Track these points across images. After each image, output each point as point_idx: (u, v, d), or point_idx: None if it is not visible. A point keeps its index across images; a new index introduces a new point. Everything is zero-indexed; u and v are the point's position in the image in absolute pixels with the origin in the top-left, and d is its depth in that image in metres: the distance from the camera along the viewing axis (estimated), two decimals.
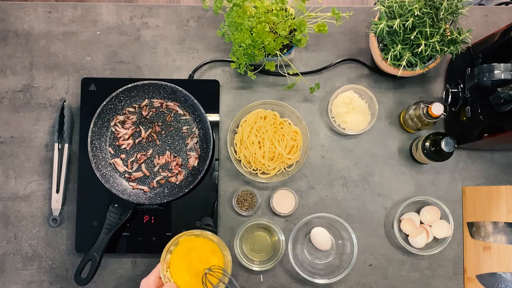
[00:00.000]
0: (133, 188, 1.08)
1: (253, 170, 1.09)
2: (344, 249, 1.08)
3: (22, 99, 1.13)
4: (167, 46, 1.15)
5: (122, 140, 1.09)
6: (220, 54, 1.15)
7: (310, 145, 1.12)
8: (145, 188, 1.09)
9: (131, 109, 1.10)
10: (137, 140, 1.10)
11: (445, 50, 0.96)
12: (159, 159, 1.09)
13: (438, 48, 0.95)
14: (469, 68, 0.98)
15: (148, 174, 1.09)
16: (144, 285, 0.90)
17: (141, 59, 1.14)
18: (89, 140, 1.04)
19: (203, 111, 1.05)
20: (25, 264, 1.09)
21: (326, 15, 1.02)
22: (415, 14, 0.92)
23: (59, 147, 1.10)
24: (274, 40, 0.99)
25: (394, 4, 0.94)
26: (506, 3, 1.34)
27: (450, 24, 1.01)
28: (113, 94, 1.05)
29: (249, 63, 1.03)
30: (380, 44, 1.04)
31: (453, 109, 1.06)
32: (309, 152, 1.12)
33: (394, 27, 0.94)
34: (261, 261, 1.09)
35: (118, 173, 1.09)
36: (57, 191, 1.09)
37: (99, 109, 1.04)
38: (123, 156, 1.09)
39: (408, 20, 0.93)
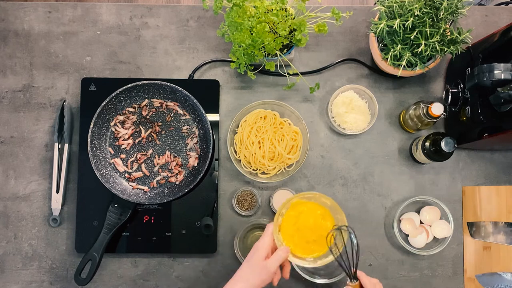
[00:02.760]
0: (133, 188, 1.08)
1: (253, 170, 1.09)
2: None
3: (22, 99, 1.13)
4: (167, 46, 1.15)
5: (122, 140, 1.09)
6: (220, 54, 1.15)
7: (310, 145, 1.12)
8: (145, 188, 1.09)
9: (131, 109, 1.10)
10: (137, 140, 1.10)
11: (445, 50, 0.96)
12: (159, 159, 1.09)
13: (438, 48, 0.95)
14: (469, 68, 0.98)
15: (148, 174, 1.09)
16: (259, 247, 0.87)
17: (141, 59, 1.14)
18: (89, 140, 1.04)
19: (203, 111, 1.05)
20: (25, 264, 1.09)
21: (326, 15, 1.02)
22: (415, 14, 0.92)
23: (59, 147, 1.10)
24: (274, 40, 0.99)
25: (394, 4, 0.94)
26: (506, 3, 1.34)
27: (450, 24, 1.01)
28: (113, 94, 1.05)
29: (249, 63, 1.03)
30: (380, 44, 1.04)
31: (453, 109, 1.06)
32: (309, 152, 1.12)
33: (394, 27, 0.94)
34: None
35: (118, 173, 1.09)
36: (57, 191, 1.09)
37: (99, 109, 1.04)
38: (123, 156, 1.09)
39: (408, 20, 0.93)
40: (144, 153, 1.09)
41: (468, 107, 1.00)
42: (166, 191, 1.08)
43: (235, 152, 1.10)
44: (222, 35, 1.02)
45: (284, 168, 1.10)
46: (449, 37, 0.97)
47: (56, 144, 1.10)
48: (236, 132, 1.10)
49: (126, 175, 1.09)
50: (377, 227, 1.12)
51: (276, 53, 1.02)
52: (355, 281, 0.89)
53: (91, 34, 1.15)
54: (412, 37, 0.94)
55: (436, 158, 1.04)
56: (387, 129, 1.14)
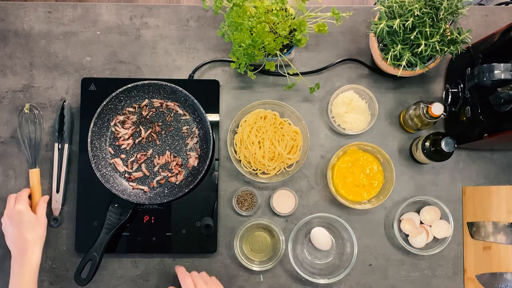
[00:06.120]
0: (133, 188, 1.08)
1: (253, 170, 1.09)
2: (344, 249, 1.08)
3: (22, 99, 1.13)
4: (167, 46, 1.15)
5: (122, 140, 1.09)
6: (220, 54, 1.15)
7: (310, 145, 1.12)
8: (145, 188, 1.09)
9: (131, 109, 1.10)
10: (137, 140, 1.10)
11: (445, 50, 0.96)
12: (159, 159, 1.09)
13: (438, 48, 0.95)
14: (469, 68, 0.98)
15: (148, 174, 1.09)
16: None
17: (141, 59, 1.14)
18: (89, 140, 1.04)
19: (203, 111, 1.05)
20: None
21: (326, 15, 1.02)
22: (415, 14, 0.92)
23: (59, 147, 1.10)
24: (274, 40, 0.99)
25: (394, 4, 0.94)
26: (506, 3, 1.34)
27: (450, 24, 1.01)
28: (113, 94, 1.05)
29: (249, 63, 1.03)
30: (380, 44, 1.04)
31: (453, 109, 1.06)
32: (309, 152, 1.12)
33: (394, 27, 0.94)
34: (261, 261, 1.09)
35: (118, 173, 1.09)
36: (57, 191, 1.09)
37: (99, 109, 1.04)
38: (123, 156, 1.09)
39: (408, 20, 0.93)
40: (144, 153, 1.09)
41: (468, 107, 1.00)
42: (166, 191, 1.08)
43: (235, 152, 1.10)
44: (222, 35, 1.02)
45: (284, 168, 1.10)
46: (449, 37, 0.97)
47: (56, 144, 1.10)
48: (236, 132, 1.10)
49: (126, 175, 1.09)
50: (377, 227, 1.12)
51: (276, 53, 1.02)
52: None
53: (91, 34, 1.15)
54: (412, 37, 0.94)
55: (436, 158, 1.04)
56: (387, 129, 1.14)
